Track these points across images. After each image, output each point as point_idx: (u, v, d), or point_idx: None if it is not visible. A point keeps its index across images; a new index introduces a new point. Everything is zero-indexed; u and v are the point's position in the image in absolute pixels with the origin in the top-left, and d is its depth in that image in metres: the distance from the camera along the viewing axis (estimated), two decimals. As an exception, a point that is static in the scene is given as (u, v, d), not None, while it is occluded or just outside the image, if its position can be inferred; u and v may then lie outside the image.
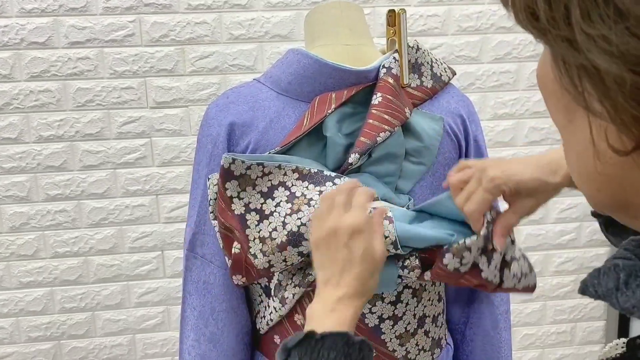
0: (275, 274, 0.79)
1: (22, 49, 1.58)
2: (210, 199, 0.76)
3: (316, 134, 0.76)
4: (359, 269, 0.59)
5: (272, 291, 0.80)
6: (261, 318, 0.84)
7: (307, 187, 0.73)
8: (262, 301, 0.84)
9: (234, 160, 0.72)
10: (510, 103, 1.80)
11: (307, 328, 0.57)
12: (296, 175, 0.73)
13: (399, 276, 0.74)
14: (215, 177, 0.76)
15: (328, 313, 0.57)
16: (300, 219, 0.71)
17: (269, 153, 0.75)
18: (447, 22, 1.73)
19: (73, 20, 1.58)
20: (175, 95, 1.65)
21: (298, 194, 0.72)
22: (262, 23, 1.64)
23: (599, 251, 1.93)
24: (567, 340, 1.98)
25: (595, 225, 1.94)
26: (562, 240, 1.91)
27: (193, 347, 0.82)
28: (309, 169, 0.73)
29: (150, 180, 1.69)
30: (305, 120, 0.75)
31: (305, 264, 0.78)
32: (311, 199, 0.72)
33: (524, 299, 1.92)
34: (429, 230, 0.70)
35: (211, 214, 0.77)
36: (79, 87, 1.62)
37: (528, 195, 0.68)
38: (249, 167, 0.72)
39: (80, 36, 1.59)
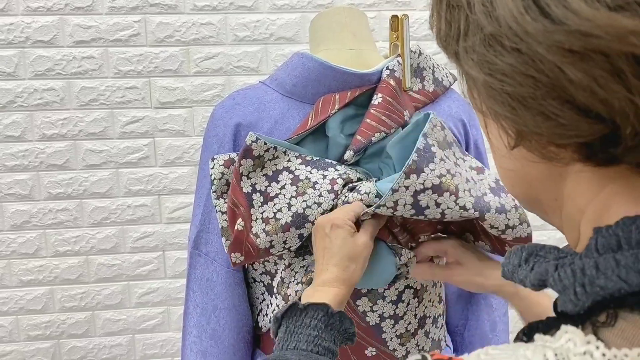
0: (278, 271, 0.80)
1: (27, 47, 1.59)
2: (214, 179, 0.78)
3: (321, 133, 0.78)
4: (337, 257, 0.68)
5: (275, 289, 0.81)
6: (263, 316, 0.85)
7: (310, 172, 0.75)
8: (264, 299, 0.84)
9: (257, 139, 0.74)
10: (512, 109, 1.81)
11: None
12: (299, 160, 0.76)
13: (398, 269, 0.76)
14: (220, 158, 0.78)
15: (312, 293, 0.67)
16: (305, 201, 0.74)
17: None
18: (450, 28, 1.74)
19: (78, 20, 1.60)
20: (179, 96, 1.66)
21: (302, 177, 0.75)
22: (267, 25, 1.65)
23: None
24: (566, 346, 1.98)
25: (594, 231, 1.95)
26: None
27: (195, 343, 0.83)
28: (312, 157, 0.77)
29: (152, 180, 1.70)
30: (309, 119, 0.77)
31: (309, 262, 0.79)
32: (316, 182, 0.74)
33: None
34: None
35: (213, 193, 0.79)
36: (83, 86, 1.63)
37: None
38: (267, 150, 0.75)
39: (85, 35, 1.60)
